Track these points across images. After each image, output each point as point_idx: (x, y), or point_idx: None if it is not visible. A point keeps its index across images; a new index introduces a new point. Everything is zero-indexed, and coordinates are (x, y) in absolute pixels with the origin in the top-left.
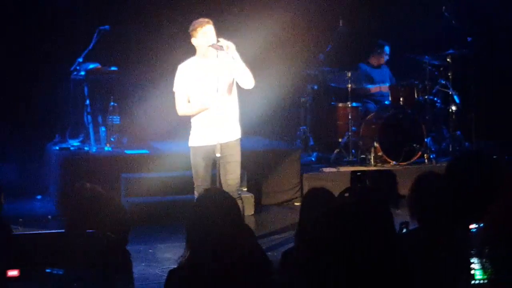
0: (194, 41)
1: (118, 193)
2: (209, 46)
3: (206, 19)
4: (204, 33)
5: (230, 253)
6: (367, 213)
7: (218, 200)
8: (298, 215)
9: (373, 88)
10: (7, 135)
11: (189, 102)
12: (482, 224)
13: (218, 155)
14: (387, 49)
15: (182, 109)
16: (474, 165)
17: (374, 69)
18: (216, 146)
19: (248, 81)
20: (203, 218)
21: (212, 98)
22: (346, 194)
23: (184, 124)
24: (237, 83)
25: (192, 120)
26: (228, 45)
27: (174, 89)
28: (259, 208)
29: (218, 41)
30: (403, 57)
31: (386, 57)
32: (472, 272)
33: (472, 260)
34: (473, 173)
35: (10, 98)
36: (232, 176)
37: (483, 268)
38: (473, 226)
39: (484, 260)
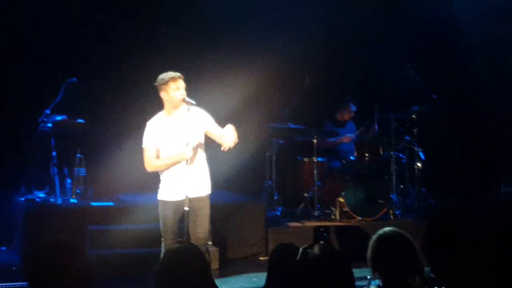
0: (164, 95)
1: (83, 245)
2: (183, 101)
3: (178, 74)
4: (177, 88)
5: None
6: (329, 269)
7: (189, 254)
8: (265, 270)
9: (337, 140)
10: None
11: (158, 157)
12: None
13: (186, 208)
14: (352, 107)
15: (151, 165)
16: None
17: (340, 127)
18: (185, 200)
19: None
20: (174, 271)
21: (187, 150)
22: (309, 250)
23: (150, 177)
24: (205, 139)
25: (162, 174)
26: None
27: (144, 145)
28: (224, 262)
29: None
30: (368, 114)
31: (351, 114)
32: None
33: None
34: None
35: None
36: (201, 230)
37: None
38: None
39: None
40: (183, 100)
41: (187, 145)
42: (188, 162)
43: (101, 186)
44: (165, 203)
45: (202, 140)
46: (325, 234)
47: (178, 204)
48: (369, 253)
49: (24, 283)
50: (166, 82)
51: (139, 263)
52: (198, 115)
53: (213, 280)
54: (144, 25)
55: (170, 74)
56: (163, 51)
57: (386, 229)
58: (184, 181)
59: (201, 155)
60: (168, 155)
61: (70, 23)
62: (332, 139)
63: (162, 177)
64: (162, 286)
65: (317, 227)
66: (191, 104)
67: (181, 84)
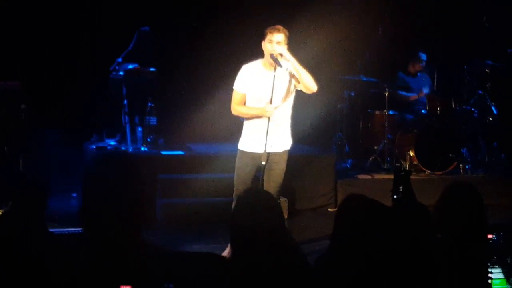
0: (262, 44)
1: (154, 194)
2: (270, 56)
3: (278, 27)
4: (269, 40)
5: (274, 253)
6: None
7: (262, 199)
8: (333, 221)
9: (411, 97)
10: (46, 132)
11: (244, 102)
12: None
13: (263, 163)
14: (422, 55)
15: (237, 108)
16: None
17: (411, 77)
18: (263, 154)
19: (310, 86)
20: (248, 215)
21: (268, 109)
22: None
23: (221, 127)
24: (295, 95)
25: (245, 124)
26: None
27: (234, 86)
28: (293, 212)
29: (281, 55)
30: (442, 67)
31: (423, 64)
32: (490, 281)
33: (492, 270)
34: None
35: (49, 95)
36: (273, 184)
37: (507, 276)
38: (491, 236)
39: (506, 269)
40: (270, 56)
41: (270, 103)
42: (270, 119)
43: (172, 135)
44: (243, 153)
45: (290, 100)
46: (406, 179)
47: (255, 157)
48: (438, 201)
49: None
50: (265, 32)
51: (210, 212)
52: (289, 74)
53: (285, 226)
54: None
55: (274, 26)
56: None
57: (459, 182)
58: (264, 136)
59: (286, 112)
60: (253, 105)
61: None
62: (403, 93)
63: (244, 127)
64: (237, 231)
65: (398, 169)
66: (278, 64)
67: (274, 37)
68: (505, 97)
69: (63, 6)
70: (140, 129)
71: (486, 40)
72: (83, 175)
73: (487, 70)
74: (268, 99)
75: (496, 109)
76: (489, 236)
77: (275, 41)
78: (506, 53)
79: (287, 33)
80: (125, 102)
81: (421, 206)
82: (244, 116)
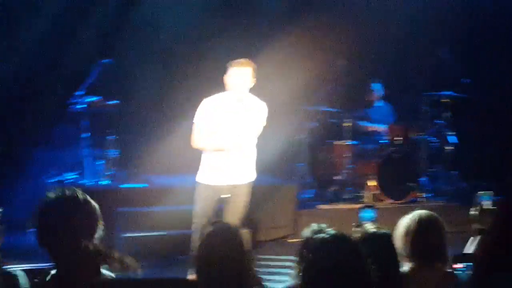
0: (224, 77)
1: (113, 228)
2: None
3: (245, 61)
4: (235, 75)
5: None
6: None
7: (227, 232)
8: (294, 252)
9: (370, 127)
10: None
11: (205, 136)
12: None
13: (226, 195)
14: (375, 85)
15: (197, 141)
16: None
17: (370, 108)
18: (226, 186)
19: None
20: (213, 252)
21: (232, 141)
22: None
23: (184, 158)
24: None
25: (204, 156)
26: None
27: (195, 120)
28: (254, 244)
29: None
30: (401, 97)
31: (378, 94)
32: None
33: None
34: None
35: (7, 127)
36: (235, 216)
37: None
38: (457, 266)
39: None
40: (235, 89)
41: (237, 136)
42: (233, 151)
43: (135, 168)
44: (203, 186)
45: (255, 132)
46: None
47: (216, 190)
48: (400, 231)
49: (51, 264)
50: (230, 64)
51: (171, 244)
52: (257, 108)
53: (250, 257)
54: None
55: (239, 59)
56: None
57: (423, 212)
58: (227, 168)
59: (250, 143)
60: (214, 138)
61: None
62: (362, 123)
63: (203, 159)
64: (203, 263)
65: (364, 206)
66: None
67: (239, 71)
68: (465, 127)
69: (23, 38)
70: (101, 162)
71: (442, 70)
72: (38, 209)
73: (446, 100)
74: (234, 132)
75: (454, 137)
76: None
77: (237, 74)
78: (460, 83)
79: (254, 66)
80: (86, 135)
81: (386, 234)
82: (207, 149)
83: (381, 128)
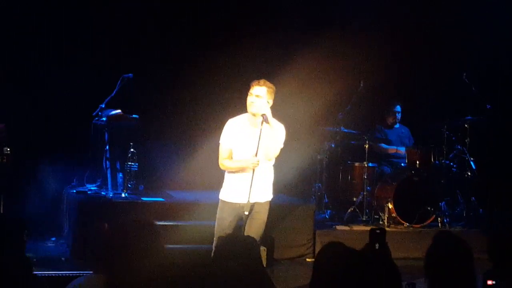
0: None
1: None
2: (250, 110)
3: (260, 81)
4: (250, 93)
5: None
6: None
7: (242, 244)
8: (311, 270)
9: (390, 149)
10: (26, 176)
11: (230, 156)
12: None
13: (246, 213)
14: (397, 107)
15: (224, 163)
16: None
17: (389, 130)
18: (246, 204)
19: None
20: (229, 260)
21: (253, 161)
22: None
23: (201, 175)
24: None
25: (227, 175)
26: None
27: (221, 141)
28: (271, 262)
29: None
30: (421, 121)
31: (398, 116)
32: None
33: None
34: None
35: (32, 139)
36: (254, 234)
37: None
38: (490, 282)
39: None
40: (262, 115)
41: (255, 155)
42: (255, 170)
43: (152, 182)
44: (225, 203)
45: (272, 154)
46: (381, 237)
47: (237, 207)
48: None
49: (72, 272)
50: (250, 85)
51: (189, 259)
52: (277, 130)
53: (265, 270)
54: (201, 23)
55: (257, 80)
56: (219, 51)
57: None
58: (247, 186)
59: (269, 163)
60: (239, 158)
61: (128, 17)
62: (383, 145)
63: (226, 177)
64: (219, 276)
65: (373, 229)
66: (265, 120)
67: (255, 90)
68: (484, 153)
69: (46, 47)
70: (120, 174)
71: (465, 95)
72: (68, 219)
73: (466, 125)
74: (254, 152)
75: (474, 164)
76: (489, 282)
77: (255, 94)
78: (485, 109)
79: (271, 87)
80: (107, 147)
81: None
82: (231, 170)
83: (401, 150)
